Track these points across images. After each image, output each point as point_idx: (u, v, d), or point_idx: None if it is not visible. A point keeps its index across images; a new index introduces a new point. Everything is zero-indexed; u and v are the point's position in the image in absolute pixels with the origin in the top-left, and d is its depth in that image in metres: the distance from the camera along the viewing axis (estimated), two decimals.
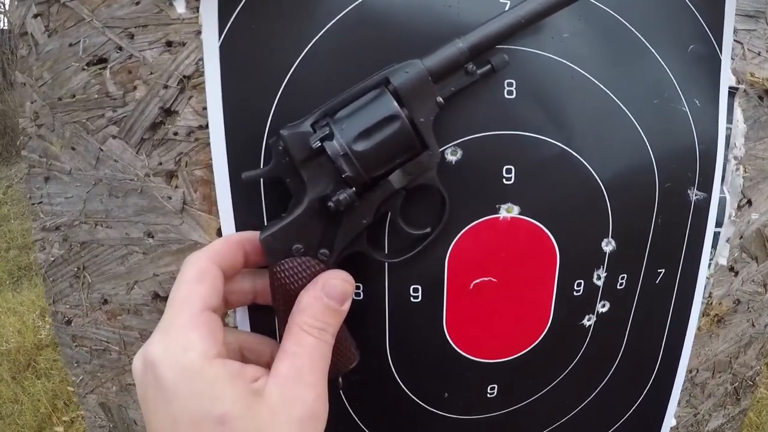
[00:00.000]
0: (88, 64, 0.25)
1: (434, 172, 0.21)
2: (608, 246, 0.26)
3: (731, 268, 0.32)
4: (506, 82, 0.23)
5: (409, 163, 0.21)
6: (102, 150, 0.25)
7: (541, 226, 0.24)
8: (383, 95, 0.20)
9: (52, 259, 0.27)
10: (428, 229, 0.23)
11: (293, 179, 0.21)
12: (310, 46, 0.22)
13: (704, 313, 0.32)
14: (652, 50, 0.26)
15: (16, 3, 0.27)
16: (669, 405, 0.32)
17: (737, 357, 0.35)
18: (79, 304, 0.28)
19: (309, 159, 0.20)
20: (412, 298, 0.24)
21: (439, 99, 0.21)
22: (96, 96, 0.25)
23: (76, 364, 0.29)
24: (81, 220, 0.26)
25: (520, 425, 0.29)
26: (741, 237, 0.32)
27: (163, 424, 0.17)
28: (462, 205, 0.23)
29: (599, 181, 0.24)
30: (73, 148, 0.26)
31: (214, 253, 0.20)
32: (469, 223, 0.24)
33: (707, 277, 0.30)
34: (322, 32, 0.22)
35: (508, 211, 0.24)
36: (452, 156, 0.23)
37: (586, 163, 0.24)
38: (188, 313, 0.18)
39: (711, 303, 0.32)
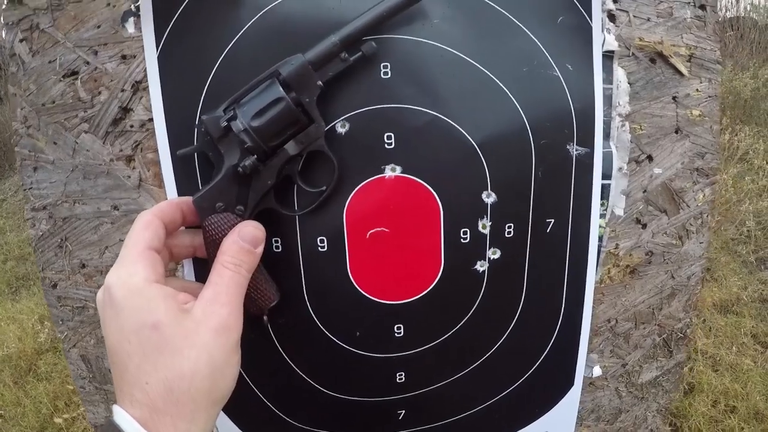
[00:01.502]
0: (63, 76, 0.37)
1: (322, 140, 0.32)
2: (489, 198, 0.35)
3: (638, 221, 0.40)
4: (382, 65, 0.33)
5: (299, 134, 0.31)
6: (77, 143, 0.37)
7: (422, 182, 0.34)
8: (273, 84, 0.31)
9: (41, 233, 0.40)
10: (324, 187, 0.33)
11: (214, 153, 0.32)
12: (225, 53, 0.33)
13: (614, 264, 0.40)
14: (520, 25, 0.35)
15: (4, 31, 0.40)
16: (579, 352, 0.40)
17: (660, 308, 0.42)
18: (63, 270, 0.40)
19: (223, 136, 0.31)
20: (319, 248, 0.34)
21: (319, 82, 0.31)
22: (71, 101, 0.37)
23: (61, 322, 0.41)
24: (62, 199, 0.38)
25: (433, 366, 0.38)
26: (644, 191, 0.40)
27: (114, 333, 0.28)
28: (353, 168, 0.33)
29: (472, 141, 0.34)
30: (54, 143, 0.38)
31: (158, 210, 0.31)
32: (360, 182, 0.34)
33: (602, 226, 0.38)
34: (232, 42, 0.33)
35: (392, 171, 0.33)
36: (342, 128, 0.33)
37: (458, 127, 0.34)
38: (136, 250, 0.29)
39: (618, 254, 0.40)
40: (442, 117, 0.33)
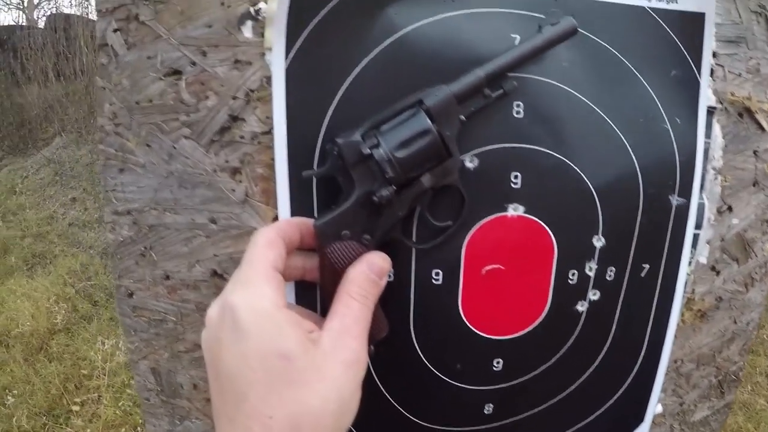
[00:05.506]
0: (164, 75, 0.35)
1: (456, 175, 0.31)
2: (599, 242, 0.35)
3: (713, 268, 0.42)
4: (515, 103, 0.33)
5: (437, 168, 0.31)
6: (175, 148, 0.35)
7: (542, 223, 0.34)
8: (419, 113, 0.30)
9: (121, 239, 0.37)
10: (449, 222, 0.32)
11: (344, 178, 0.31)
12: (359, 69, 0.32)
13: (688, 308, 0.42)
14: (639, 76, 0.36)
15: (96, 17, 0.37)
16: (653, 392, 0.41)
17: (720, 351, 0.45)
18: (143, 279, 0.37)
19: (359, 162, 0.30)
20: (433, 281, 0.34)
21: (462, 117, 0.30)
22: (171, 102, 0.35)
23: (133, 333, 0.38)
24: (151, 206, 0.36)
25: (518, 400, 0.38)
26: (722, 240, 0.42)
27: (235, 359, 0.26)
28: (478, 204, 0.33)
29: (591, 186, 0.34)
30: (148, 145, 0.35)
31: (280, 229, 0.30)
32: (483, 219, 0.33)
33: (688, 274, 0.40)
34: (368, 58, 0.32)
35: (515, 210, 0.33)
36: (470, 163, 0.33)
37: (580, 172, 0.34)
38: (263, 270, 0.27)
39: (694, 299, 0.42)
40: (568, 162, 0.34)
